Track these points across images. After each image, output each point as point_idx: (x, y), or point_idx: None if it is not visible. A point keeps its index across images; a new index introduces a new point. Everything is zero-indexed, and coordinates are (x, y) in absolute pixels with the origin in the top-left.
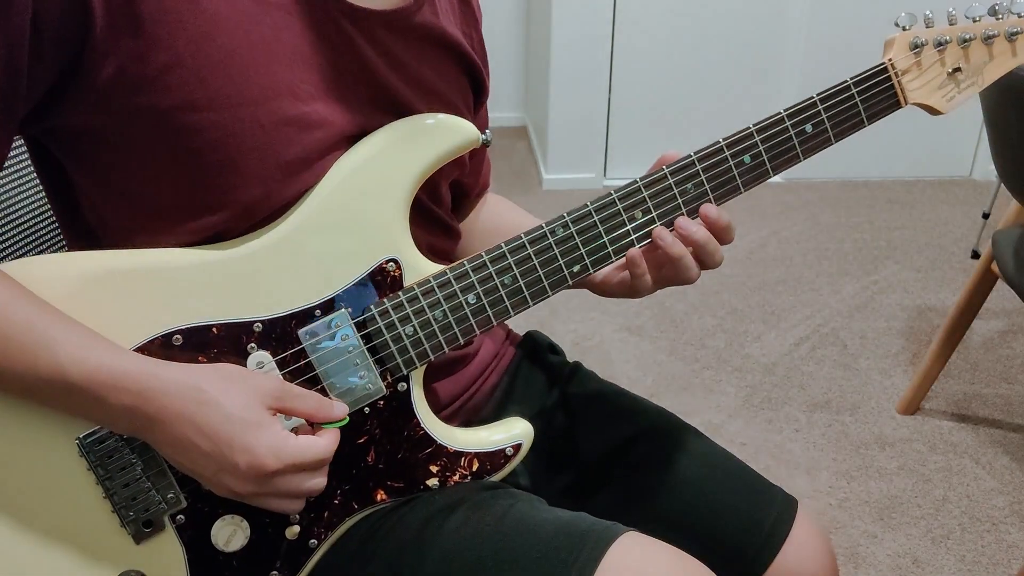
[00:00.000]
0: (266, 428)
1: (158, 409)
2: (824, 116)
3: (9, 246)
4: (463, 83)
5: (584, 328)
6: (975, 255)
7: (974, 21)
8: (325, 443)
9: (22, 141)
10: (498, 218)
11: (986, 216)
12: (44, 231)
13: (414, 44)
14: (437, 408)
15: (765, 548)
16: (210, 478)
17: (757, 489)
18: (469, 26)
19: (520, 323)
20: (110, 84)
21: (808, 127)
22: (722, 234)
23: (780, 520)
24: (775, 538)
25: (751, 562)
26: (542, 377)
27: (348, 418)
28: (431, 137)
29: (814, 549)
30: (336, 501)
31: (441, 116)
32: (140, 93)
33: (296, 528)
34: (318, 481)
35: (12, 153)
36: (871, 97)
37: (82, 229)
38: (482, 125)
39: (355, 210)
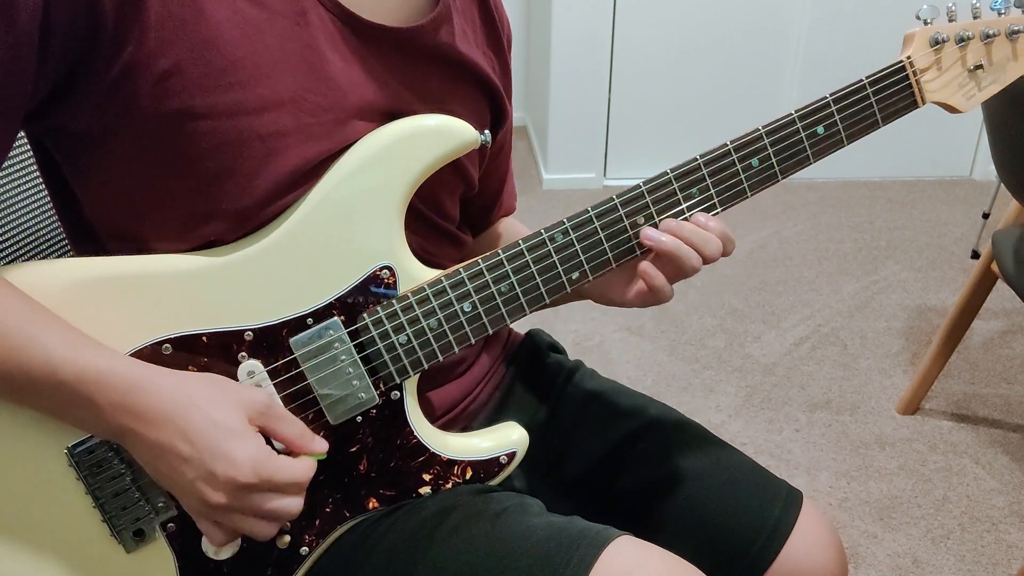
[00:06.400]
0: (249, 439)
1: (145, 409)
2: (837, 117)
3: (10, 246)
4: (479, 104)
5: (585, 328)
6: (975, 255)
7: (1000, 14)
8: (303, 467)
9: (25, 143)
10: (508, 238)
11: (986, 216)
12: (45, 231)
13: (424, 62)
14: (438, 414)
15: (772, 540)
16: (186, 487)
17: (762, 482)
18: (492, 49)
19: (521, 322)
20: (113, 87)
21: (820, 128)
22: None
23: (786, 512)
24: (781, 529)
25: (757, 554)
26: (543, 377)
27: (326, 455)
28: (426, 139)
29: (821, 540)
30: (328, 509)
31: (438, 117)
32: (140, 98)
33: (287, 537)
34: (291, 505)
35: (14, 153)
36: (887, 97)
37: (83, 231)
38: (503, 151)
39: (348, 216)
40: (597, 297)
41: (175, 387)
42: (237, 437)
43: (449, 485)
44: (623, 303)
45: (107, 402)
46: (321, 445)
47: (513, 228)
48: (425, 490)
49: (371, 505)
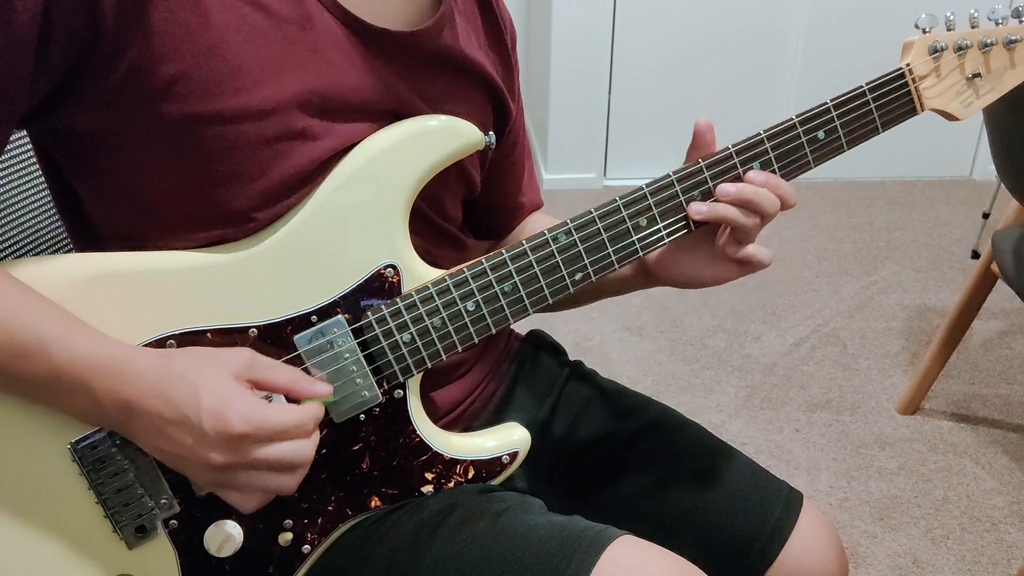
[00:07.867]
0: (233, 393)
1: (135, 391)
2: (837, 123)
3: (10, 246)
4: (482, 105)
5: (585, 328)
6: (975, 255)
7: (997, 24)
8: (302, 409)
9: (27, 141)
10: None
11: (986, 216)
12: (46, 231)
13: (427, 64)
14: (439, 414)
15: (772, 540)
16: (188, 457)
17: (762, 482)
18: (494, 49)
19: (522, 323)
20: (116, 90)
21: (820, 133)
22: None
23: (786, 512)
24: (781, 530)
25: (758, 554)
26: (543, 378)
27: (333, 396)
28: (432, 139)
29: (821, 541)
30: (330, 507)
31: (443, 117)
32: (145, 102)
33: (289, 535)
34: (300, 449)
35: (14, 152)
36: (887, 103)
37: (85, 230)
38: (516, 149)
39: (353, 214)
40: (684, 284)
41: (157, 363)
42: (221, 394)
43: (451, 484)
44: (713, 281)
45: (102, 387)
46: (324, 387)
47: (538, 224)
48: (427, 489)
49: (373, 504)
